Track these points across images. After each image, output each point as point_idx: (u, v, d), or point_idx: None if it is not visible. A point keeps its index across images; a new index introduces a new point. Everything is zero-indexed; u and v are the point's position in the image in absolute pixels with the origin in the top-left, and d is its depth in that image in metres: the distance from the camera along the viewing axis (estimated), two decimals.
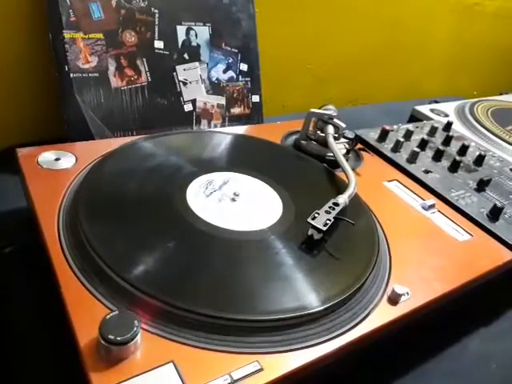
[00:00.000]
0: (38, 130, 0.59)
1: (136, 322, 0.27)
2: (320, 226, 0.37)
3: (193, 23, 0.60)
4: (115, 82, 0.55)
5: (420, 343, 0.40)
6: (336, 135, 0.53)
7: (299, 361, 0.29)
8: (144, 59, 0.57)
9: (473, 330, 0.44)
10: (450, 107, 0.83)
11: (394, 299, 0.35)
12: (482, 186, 0.55)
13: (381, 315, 0.34)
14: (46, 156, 0.44)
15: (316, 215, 0.38)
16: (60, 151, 0.45)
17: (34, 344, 0.35)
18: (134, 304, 0.30)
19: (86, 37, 0.53)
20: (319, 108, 0.57)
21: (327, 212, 0.39)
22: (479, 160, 0.62)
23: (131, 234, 0.36)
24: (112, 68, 0.55)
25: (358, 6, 0.86)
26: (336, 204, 0.40)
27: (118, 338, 0.26)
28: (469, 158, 0.63)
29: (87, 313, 0.29)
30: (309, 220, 0.38)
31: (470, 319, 0.45)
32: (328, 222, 0.38)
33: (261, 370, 0.28)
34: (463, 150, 0.63)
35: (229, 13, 0.63)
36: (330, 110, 0.56)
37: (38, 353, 0.35)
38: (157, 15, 0.57)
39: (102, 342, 0.26)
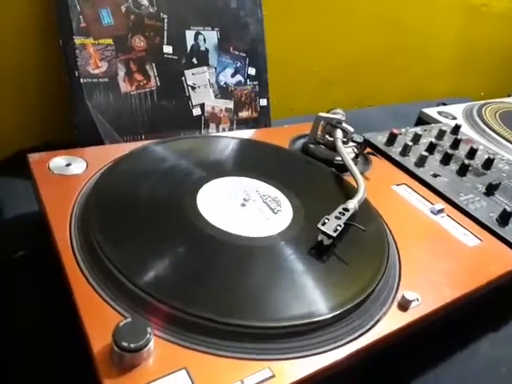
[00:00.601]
0: (48, 134, 0.59)
1: (149, 328, 0.28)
2: (330, 232, 0.37)
3: (201, 28, 0.60)
4: (125, 86, 0.56)
5: (429, 348, 0.40)
6: (344, 139, 0.53)
7: (310, 367, 0.29)
8: (153, 64, 0.57)
9: (482, 335, 0.44)
10: (457, 109, 0.82)
11: (404, 305, 0.35)
12: (491, 189, 0.55)
13: (391, 322, 0.34)
14: (57, 161, 0.44)
15: (326, 221, 0.38)
16: (71, 156, 0.45)
17: (35, 345, 0.35)
18: (146, 310, 0.30)
19: (96, 42, 0.53)
20: (327, 112, 0.57)
21: (337, 218, 0.39)
22: (488, 163, 0.61)
23: (142, 239, 0.36)
24: (121, 73, 0.55)
25: (364, 9, 0.86)
26: (346, 209, 0.40)
27: (132, 345, 0.27)
28: (477, 161, 0.63)
29: (100, 319, 0.30)
30: (319, 226, 0.38)
31: (479, 324, 0.45)
32: (338, 227, 0.38)
33: (273, 376, 0.28)
34: (472, 153, 0.63)
35: (237, 17, 0.63)
36: (339, 114, 0.56)
37: (38, 354, 0.35)
38: (166, 20, 0.57)
39: (116, 349, 0.27)
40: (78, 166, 0.44)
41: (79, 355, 0.29)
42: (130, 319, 0.28)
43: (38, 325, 0.37)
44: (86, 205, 0.38)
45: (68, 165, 0.44)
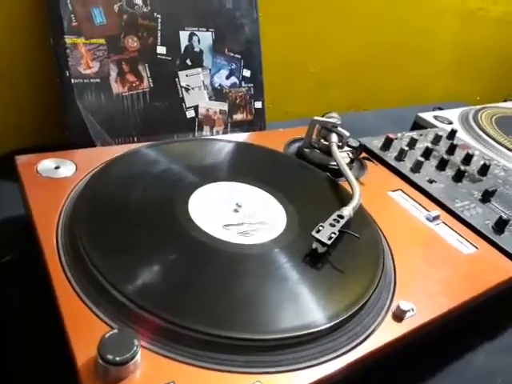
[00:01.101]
0: (38, 135, 0.58)
1: (136, 340, 0.27)
2: (325, 240, 0.36)
3: (196, 28, 0.59)
4: (117, 87, 0.54)
5: (424, 358, 0.40)
6: (340, 144, 0.53)
7: (302, 381, 0.29)
8: (146, 65, 0.56)
9: (477, 345, 0.43)
10: (453, 114, 0.82)
11: (399, 316, 0.35)
12: (486, 196, 0.54)
13: (386, 333, 0.33)
14: (46, 164, 0.43)
15: (320, 228, 0.37)
16: (60, 159, 0.44)
17: (21, 353, 0.34)
18: (133, 320, 0.29)
19: (88, 42, 0.52)
20: (322, 116, 0.56)
21: (332, 225, 0.38)
22: (484, 169, 0.61)
23: (131, 246, 0.35)
24: (114, 74, 0.54)
25: (362, 11, 0.86)
26: (341, 216, 0.39)
27: (117, 358, 0.26)
28: (473, 167, 0.62)
29: (85, 329, 0.29)
30: (313, 233, 0.37)
31: (475, 334, 0.44)
32: (333, 235, 0.37)
33: None
34: (467, 159, 0.63)
35: (232, 18, 0.62)
36: (334, 117, 0.55)
37: (24, 362, 0.34)
38: (159, 20, 0.56)
39: (101, 362, 0.26)
40: (66, 169, 0.43)
41: (65, 366, 0.28)
42: (116, 330, 0.27)
43: (25, 331, 0.36)
44: (74, 209, 0.37)
45: (57, 167, 0.43)
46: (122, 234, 0.36)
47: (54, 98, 0.54)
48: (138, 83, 0.56)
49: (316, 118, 0.54)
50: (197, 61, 0.60)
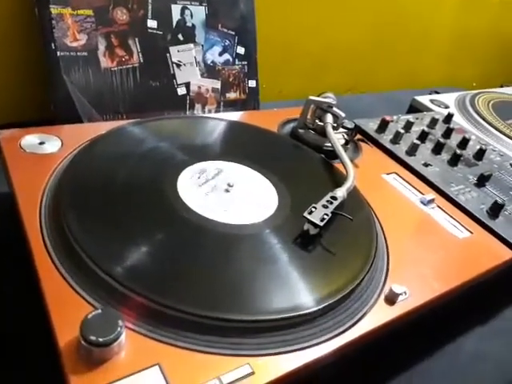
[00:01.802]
0: (23, 110, 0.56)
1: (120, 321, 0.26)
2: (317, 221, 0.35)
3: (188, 2, 0.57)
4: (105, 62, 0.52)
5: (416, 342, 0.39)
6: (335, 125, 0.51)
7: (292, 364, 0.28)
8: (136, 39, 0.54)
9: (469, 329, 0.43)
10: (450, 98, 0.81)
11: (391, 299, 0.34)
12: (482, 181, 0.54)
13: (377, 316, 0.33)
14: (30, 139, 0.41)
15: (313, 209, 0.36)
16: (45, 134, 0.42)
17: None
18: (118, 301, 0.28)
19: (75, 13, 0.50)
20: (318, 96, 0.54)
21: (324, 206, 0.37)
22: (479, 154, 0.60)
23: (117, 226, 0.34)
24: (102, 47, 0.52)
25: None
26: (334, 198, 0.38)
27: (100, 339, 0.25)
28: (469, 151, 0.61)
29: (68, 309, 0.28)
30: (305, 214, 0.36)
31: (467, 318, 0.44)
32: (325, 216, 0.36)
33: (252, 373, 0.27)
34: (464, 143, 0.62)
35: None
36: (330, 97, 0.54)
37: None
38: None
39: (83, 342, 0.25)
40: (52, 145, 0.41)
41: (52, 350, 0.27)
42: (99, 311, 0.26)
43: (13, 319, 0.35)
44: (59, 187, 0.36)
45: (41, 143, 0.41)
46: (108, 213, 0.35)
47: (39, 71, 0.52)
48: (127, 58, 0.54)
49: (311, 97, 0.53)
50: (189, 36, 0.58)
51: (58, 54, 0.49)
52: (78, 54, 0.50)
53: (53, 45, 0.49)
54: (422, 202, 0.48)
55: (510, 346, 0.42)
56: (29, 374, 0.31)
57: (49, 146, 0.41)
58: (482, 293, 0.43)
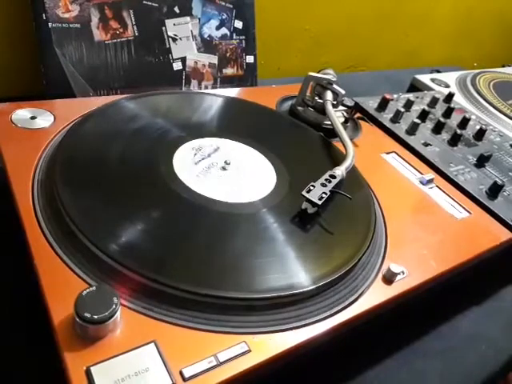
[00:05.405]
0: (14, 84, 0.54)
1: (115, 298, 0.25)
2: (315, 200, 0.35)
3: None
4: (99, 34, 0.51)
5: (412, 322, 0.39)
6: (334, 102, 0.50)
7: (289, 342, 0.28)
8: (131, 11, 0.52)
9: (465, 309, 0.43)
10: (451, 77, 0.80)
11: (389, 278, 0.34)
12: (481, 161, 0.53)
13: (375, 295, 0.33)
14: (21, 114, 0.40)
15: (311, 188, 0.36)
16: (37, 109, 0.41)
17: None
18: (113, 278, 0.28)
19: None
20: (317, 72, 0.53)
21: (323, 185, 0.37)
22: (479, 134, 0.59)
23: (112, 202, 0.33)
24: (95, 19, 0.50)
25: None
26: (333, 176, 0.38)
27: (95, 317, 0.24)
28: (469, 131, 0.60)
29: (63, 286, 0.27)
30: (303, 193, 0.35)
31: (463, 298, 0.44)
32: (324, 195, 0.35)
33: (248, 351, 0.26)
34: (464, 122, 0.61)
35: None
36: (329, 74, 0.53)
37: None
38: None
39: (78, 320, 0.24)
40: (44, 119, 0.40)
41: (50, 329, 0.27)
42: (94, 288, 0.26)
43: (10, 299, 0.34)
44: (52, 162, 0.35)
45: (33, 118, 0.40)
46: (102, 190, 0.34)
47: (29, 44, 0.50)
48: (121, 31, 0.52)
49: (311, 73, 0.52)
50: (185, 9, 0.56)
51: (50, 25, 0.47)
52: (71, 25, 0.49)
53: (44, 16, 0.47)
54: (421, 182, 0.47)
55: (505, 327, 0.42)
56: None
57: (41, 120, 0.40)
58: (479, 273, 0.43)
